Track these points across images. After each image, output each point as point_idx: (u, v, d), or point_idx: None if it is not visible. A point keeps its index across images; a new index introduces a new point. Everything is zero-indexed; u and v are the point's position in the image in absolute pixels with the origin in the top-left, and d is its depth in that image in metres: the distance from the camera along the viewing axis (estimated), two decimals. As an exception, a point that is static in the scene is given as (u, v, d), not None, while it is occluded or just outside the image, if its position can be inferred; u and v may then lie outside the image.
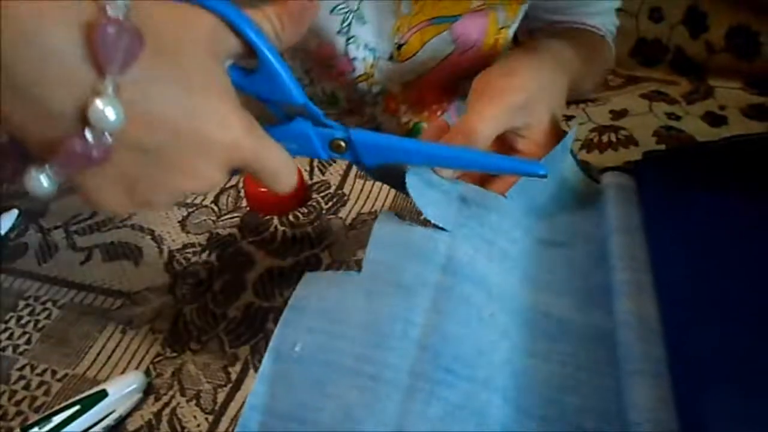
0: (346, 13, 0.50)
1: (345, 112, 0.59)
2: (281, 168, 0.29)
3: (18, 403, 0.38)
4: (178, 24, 0.24)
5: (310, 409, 0.28)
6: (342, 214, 0.48)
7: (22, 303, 0.44)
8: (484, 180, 0.40)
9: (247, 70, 0.28)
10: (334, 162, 0.53)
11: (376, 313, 0.31)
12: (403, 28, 0.52)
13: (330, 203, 0.49)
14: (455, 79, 0.59)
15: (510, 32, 0.56)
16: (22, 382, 0.39)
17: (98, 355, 0.40)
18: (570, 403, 0.31)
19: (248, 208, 0.50)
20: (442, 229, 0.35)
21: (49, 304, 0.44)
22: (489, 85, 0.39)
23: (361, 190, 0.50)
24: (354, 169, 0.52)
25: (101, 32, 0.21)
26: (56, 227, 0.50)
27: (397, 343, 0.30)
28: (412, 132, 0.61)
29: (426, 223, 0.35)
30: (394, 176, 0.34)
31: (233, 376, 0.38)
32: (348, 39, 0.51)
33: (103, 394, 0.36)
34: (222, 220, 0.49)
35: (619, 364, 0.31)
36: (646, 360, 0.30)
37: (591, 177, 0.43)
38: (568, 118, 0.55)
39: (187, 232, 0.48)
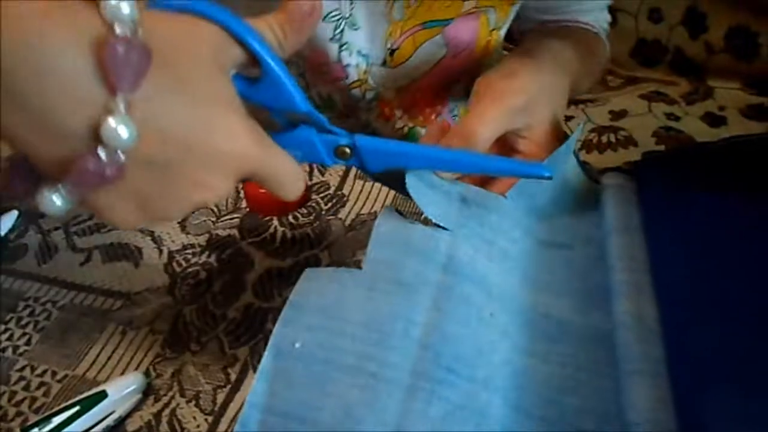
0: (339, 19, 0.50)
1: (342, 115, 0.59)
2: (288, 175, 0.29)
3: (18, 404, 0.38)
4: (182, 37, 0.24)
5: (310, 408, 0.28)
6: (341, 215, 0.48)
7: (21, 304, 0.44)
8: (485, 181, 0.40)
9: (251, 80, 0.28)
10: (334, 163, 0.53)
11: (377, 311, 0.30)
12: (395, 34, 0.52)
13: (329, 204, 0.49)
14: (448, 82, 0.59)
15: (501, 33, 0.56)
16: (22, 383, 0.39)
17: (98, 356, 0.40)
18: (569, 404, 0.30)
19: (248, 209, 0.50)
20: (443, 228, 0.35)
21: (48, 305, 0.44)
22: (490, 88, 0.39)
23: (361, 191, 0.50)
24: (353, 170, 0.52)
25: (111, 51, 0.20)
26: (56, 228, 0.50)
27: (398, 342, 0.29)
28: (408, 137, 0.61)
29: (427, 222, 0.35)
30: (396, 178, 0.35)
31: (233, 377, 0.38)
32: (341, 46, 0.51)
33: (102, 395, 0.36)
34: (221, 221, 0.49)
35: (618, 365, 0.31)
36: (645, 360, 0.30)
37: (590, 177, 0.43)
38: (568, 118, 0.55)
39: (187, 233, 0.48)
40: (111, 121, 0.21)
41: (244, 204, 0.50)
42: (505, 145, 0.41)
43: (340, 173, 0.52)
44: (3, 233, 0.49)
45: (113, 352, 0.40)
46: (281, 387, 0.29)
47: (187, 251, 0.47)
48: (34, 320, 0.43)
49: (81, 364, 0.40)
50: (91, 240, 0.49)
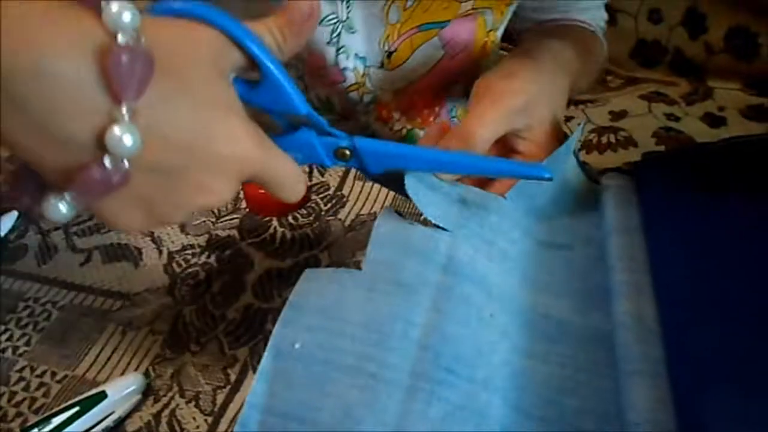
0: (335, 23, 0.50)
1: (341, 118, 0.59)
2: (290, 177, 0.29)
3: (17, 405, 0.38)
4: (182, 42, 0.24)
5: (310, 408, 0.28)
6: (341, 215, 0.48)
7: (21, 304, 0.44)
8: (484, 182, 0.40)
9: (251, 83, 0.28)
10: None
11: (377, 312, 0.30)
12: (392, 36, 0.52)
13: (329, 205, 0.49)
14: (446, 83, 0.59)
15: (498, 34, 0.56)
16: (22, 384, 0.39)
17: (97, 356, 0.40)
18: (569, 405, 0.30)
19: (247, 210, 0.50)
20: (443, 229, 0.35)
21: (48, 306, 0.44)
22: (489, 89, 0.39)
23: (360, 191, 0.50)
24: (353, 170, 0.52)
25: (115, 60, 0.20)
26: (56, 229, 0.50)
27: (398, 343, 0.29)
28: (407, 139, 0.61)
29: (426, 223, 0.35)
30: (395, 180, 0.35)
31: (232, 378, 0.38)
32: (338, 49, 0.51)
33: (102, 396, 0.36)
34: (221, 222, 0.49)
35: (618, 365, 0.31)
36: (644, 360, 0.30)
37: (590, 178, 0.43)
38: (568, 118, 0.55)
39: (187, 234, 0.48)
40: (116, 130, 0.21)
41: (243, 204, 0.50)
42: (504, 145, 0.41)
43: (340, 174, 0.52)
44: (3, 234, 0.49)
45: (113, 352, 0.40)
46: (281, 387, 0.29)
47: (187, 252, 0.47)
48: (34, 321, 0.43)
49: (81, 364, 0.40)
50: (91, 240, 0.49)
